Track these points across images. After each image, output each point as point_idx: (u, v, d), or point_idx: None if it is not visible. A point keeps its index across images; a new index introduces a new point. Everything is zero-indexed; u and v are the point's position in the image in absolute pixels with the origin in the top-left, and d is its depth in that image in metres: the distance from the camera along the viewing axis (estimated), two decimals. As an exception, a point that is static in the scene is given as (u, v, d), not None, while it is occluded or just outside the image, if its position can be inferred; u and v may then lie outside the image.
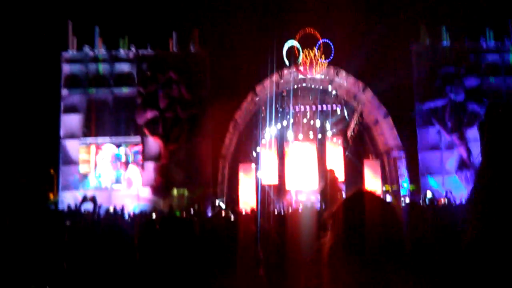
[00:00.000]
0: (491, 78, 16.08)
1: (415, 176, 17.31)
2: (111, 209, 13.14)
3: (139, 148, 16.88)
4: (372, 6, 16.18)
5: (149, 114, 16.32)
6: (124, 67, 17.11)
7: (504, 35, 16.38)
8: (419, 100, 16.49)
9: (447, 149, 16.35)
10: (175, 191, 16.87)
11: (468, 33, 16.12)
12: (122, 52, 17.18)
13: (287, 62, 17.51)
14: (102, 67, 17.08)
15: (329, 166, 18.38)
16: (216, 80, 16.78)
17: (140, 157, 16.85)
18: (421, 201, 14.29)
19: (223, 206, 17.22)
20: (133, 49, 17.06)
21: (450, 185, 15.54)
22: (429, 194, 15.38)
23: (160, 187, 16.71)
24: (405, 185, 18.03)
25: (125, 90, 16.93)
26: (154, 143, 16.89)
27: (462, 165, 15.81)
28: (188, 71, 16.57)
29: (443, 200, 13.84)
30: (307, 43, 17.57)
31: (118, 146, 16.79)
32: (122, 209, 13.34)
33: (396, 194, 17.77)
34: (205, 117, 16.83)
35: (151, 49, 17.07)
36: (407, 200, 15.82)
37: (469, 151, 15.70)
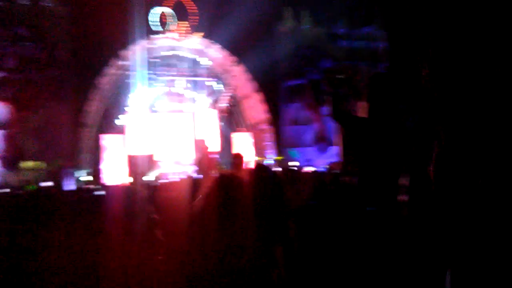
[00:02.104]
0: (343, 62, 17.88)
1: (279, 148, 18.47)
2: None
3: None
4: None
5: (-5, 75, 14.31)
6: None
7: (355, 24, 18.20)
8: (283, 78, 17.55)
9: (305, 124, 17.76)
10: (29, 163, 15.27)
11: (326, 19, 17.53)
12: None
13: (159, 28, 16.83)
14: None
15: (200, 137, 18.51)
16: (78, 41, 15.34)
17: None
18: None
19: (85, 178, 16.20)
20: (-26, -2, 14.62)
21: (308, 156, 17.05)
22: (291, 164, 16.62)
23: (10, 159, 14.96)
24: (271, 157, 19.10)
25: (-37, 46, 14.52)
26: (1, 108, 14.92)
27: (318, 138, 17.37)
28: (43, 28, 14.82)
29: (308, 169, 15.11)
30: (181, 12, 17.11)
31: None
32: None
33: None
34: (65, 81, 15.37)
35: (-5, -1, 14.82)
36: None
37: (323, 126, 17.31)
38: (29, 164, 15.23)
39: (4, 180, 13.95)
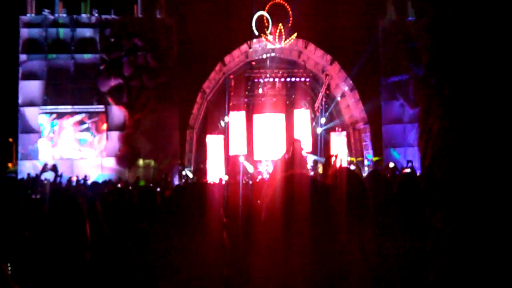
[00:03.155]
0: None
1: (378, 148, 17.81)
2: (74, 179, 12.91)
3: (102, 117, 16.47)
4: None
5: (113, 82, 15.85)
6: (86, 33, 16.40)
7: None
8: (384, 75, 16.84)
9: (409, 122, 16.85)
10: (140, 162, 16.68)
11: (433, 8, 16.41)
12: (84, 16, 16.44)
13: (256, 32, 17.30)
14: (63, 32, 16.32)
15: (296, 137, 18.64)
16: (183, 48, 16.40)
17: (104, 126, 16.47)
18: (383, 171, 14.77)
19: (190, 175, 17.24)
20: (96, 14, 16.35)
21: (412, 157, 16.09)
22: (391, 165, 15.87)
23: (125, 157, 16.47)
24: (369, 157, 18.52)
25: (87, 57, 16.29)
26: (118, 112, 16.49)
27: (423, 137, 16.37)
28: (154, 39, 16.09)
29: (406, 170, 14.33)
30: (277, 14, 17.38)
31: (80, 114, 16.31)
32: (85, 179, 13.11)
33: (359, 164, 18.22)
34: (172, 87, 16.52)
35: (114, 14, 16.41)
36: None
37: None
38: (141, 162, 16.62)
39: (119, 177, 15.36)
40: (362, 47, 16.38)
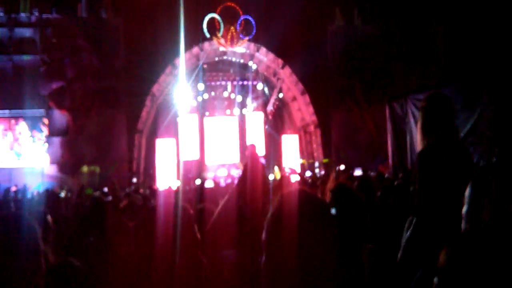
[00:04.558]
0: (395, 61, 17.25)
1: (328, 151, 18.16)
2: (14, 189, 12.10)
3: (43, 122, 15.58)
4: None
5: (55, 85, 15.04)
6: (26, 33, 15.48)
7: (408, 22, 17.47)
8: (333, 79, 17.22)
9: (357, 125, 17.33)
10: (85, 168, 15.92)
11: (378, 18, 17.06)
12: (23, 15, 15.48)
13: (207, 34, 17.05)
14: (0, 32, 15.32)
15: (249, 141, 18.60)
16: (132, 50, 15.84)
17: (45, 131, 15.58)
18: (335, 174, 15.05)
19: (138, 182, 16.68)
20: (36, 13, 15.44)
21: (359, 158, 16.60)
22: (342, 167, 16.25)
23: (68, 164, 15.67)
24: (320, 159, 18.84)
25: (27, 58, 15.37)
26: (60, 117, 15.68)
27: (370, 140, 16.92)
28: (99, 39, 15.43)
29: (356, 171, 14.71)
30: (228, 17, 17.23)
31: (19, 119, 15.35)
32: (24, 188, 12.32)
33: (311, 167, 18.47)
34: (120, 89, 15.92)
35: (56, 13, 15.56)
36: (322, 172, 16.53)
37: (376, 127, 16.81)
38: (85, 169, 15.85)
39: (63, 184, 14.58)
40: (312, 51, 16.61)
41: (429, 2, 16.34)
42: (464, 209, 1.37)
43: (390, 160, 9.33)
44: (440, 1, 16.05)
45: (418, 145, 2.51)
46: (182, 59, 16.03)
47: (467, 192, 1.37)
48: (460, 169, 2.23)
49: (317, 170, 17.84)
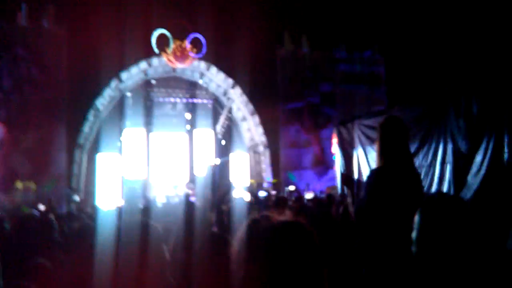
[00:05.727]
0: (342, 85, 17.95)
1: (277, 171, 18.28)
2: None
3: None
4: (241, 8, 16.47)
5: (-11, 95, 14.11)
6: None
7: (353, 49, 18.40)
8: (282, 101, 17.57)
9: (304, 147, 17.63)
10: (19, 185, 14.92)
11: (325, 43, 17.74)
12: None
13: (156, 50, 16.79)
14: None
15: (200, 160, 18.33)
16: (75, 62, 15.19)
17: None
18: (285, 194, 15.14)
19: (77, 200, 15.85)
20: (-30, 18, 14.55)
21: (306, 179, 16.90)
22: (291, 188, 16.39)
23: (2, 180, 14.63)
24: (268, 179, 18.88)
25: (-43, 65, 14.36)
26: (-5, 129, 14.67)
27: (317, 161, 17.25)
28: (41, 50, 14.72)
29: (308, 193, 14.89)
30: (178, 33, 17.11)
31: None
32: None
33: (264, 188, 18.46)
34: (61, 102, 15.19)
35: (-7, 20, 14.74)
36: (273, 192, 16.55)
37: (322, 149, 17.20)
38: (20, 185, 14.88)
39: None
40: (262, 73, 16.85)
41: (372, 31, 17.15)
42: (414, 234, 1.44)
43: (336, 183, 9.48)
44: (382, 32, 16.88)
45: (376, 164, 2.67)
46: (131, 74, 15.65)
47: (416, 219, 1.45)
48: (406, 192, 2.36)
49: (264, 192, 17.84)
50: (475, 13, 13.26)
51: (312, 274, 1.01)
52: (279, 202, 4.75)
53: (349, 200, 6.22)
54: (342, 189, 8.18)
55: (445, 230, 1.35)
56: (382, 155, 2.61)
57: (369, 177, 2.60)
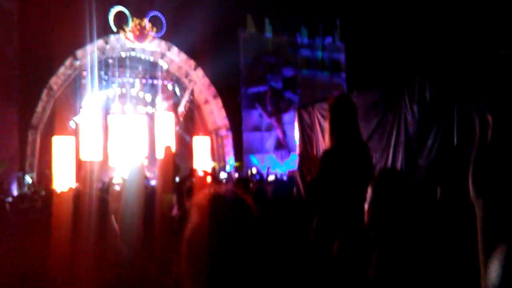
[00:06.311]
0: (304, 70, 18.12)
1: (239, 154, 18.32)
2: None
3: None
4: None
5: None
6: None
7: (315, 34, 18.57)
8: (244, 85, 17.51)
9: (266, 130, 17.73)
10: (-32, 166, 14.15)
11: (287, 28, 17.78)
12: None
13: (114, 28, 16.20)
14: None
15: (161, 142, 18.02)
16: (27, 39, 14.42)
17: None
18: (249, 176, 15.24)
19: (29, 181, 15.26)
20: None
21: (268, 162, 17.04)
22: (253, 171, 16.49)
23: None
24: (230, 162, 18.89)
25: None
26: None
27: (279, 145, 17.41)
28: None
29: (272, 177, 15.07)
30: (138, 11, 16.56)
31: None
32: None
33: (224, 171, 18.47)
34: (12, 81, 14.40)
35: None
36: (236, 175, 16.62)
37: (284, 133, 17.37)
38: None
39: None
40: (224, 56, 16.67)
41: (333, 17, 17.36)
42: (366, 206, 1.51)
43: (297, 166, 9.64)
44: (343, 18, 17.12)
45: (326, 145, 2.71)
46: (88, 52, 15.04)
47: (369, 191, 1.52)
48: (358, 169, 2.40)
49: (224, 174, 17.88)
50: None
51: (244, 243, 1.04)
52: (239, 183, 4.77)
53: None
54: (300, 171, 8.32)
55: (395, 200, 1.42)
56: (333, 134, 2.66)
57: (322, 158, 2.65)
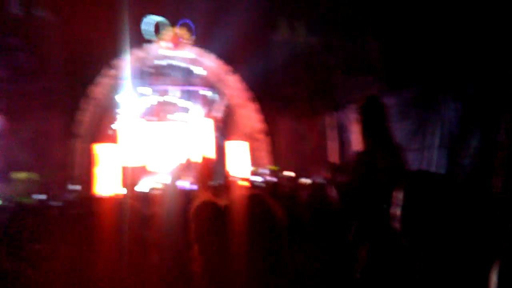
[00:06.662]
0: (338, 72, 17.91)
1: (275, 158, 18.35)
2: None
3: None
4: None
5: (-14, 86, 14.05)
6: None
7: (348, 35, 18.22)
8: (278, 88, 17.58)
9: (302, 133, 17.68)
10: (19, 175, 14.96)
11: (321, 30, 17.65)
12: None
13: (152, 36, 16.69)
14: None
15: (197, 148, 18.35)
16: (71, 51, 15.12)
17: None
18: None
19: (77, 188, 15.91)
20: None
21: (305, 166, 16.97)
22: (289, 174, 16.46)
23: (2, 170, 14.67)
24: (268, 166, 18.93)
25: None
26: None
27: (314, 148, 17.29)
28: (35, 38, 14.60)
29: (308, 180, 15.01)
30: (171, 19, 17.01)
31: None
32: None
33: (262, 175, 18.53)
34: (57, 91, 15.14)
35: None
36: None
37: (319, 135, 17.22)
38: (21, 175, 14.92)
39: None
40: (258, 60, 16.78)
41: (368, 18, 17.07)
42: (397, 210, 1.43)
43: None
44: (378, 18, 16.80)
45: (359, 147, 2.76)
46: (125, 62, 15.58)
47: (400, 196, 1.43)
48: (387, 172, 2.38)
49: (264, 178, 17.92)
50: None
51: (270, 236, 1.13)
52: (269, 186, 4.86)
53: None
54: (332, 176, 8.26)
55: (430, 206, 1.33)
56: (363, 136, 2.66)
57: (354, 161, 2.66)
